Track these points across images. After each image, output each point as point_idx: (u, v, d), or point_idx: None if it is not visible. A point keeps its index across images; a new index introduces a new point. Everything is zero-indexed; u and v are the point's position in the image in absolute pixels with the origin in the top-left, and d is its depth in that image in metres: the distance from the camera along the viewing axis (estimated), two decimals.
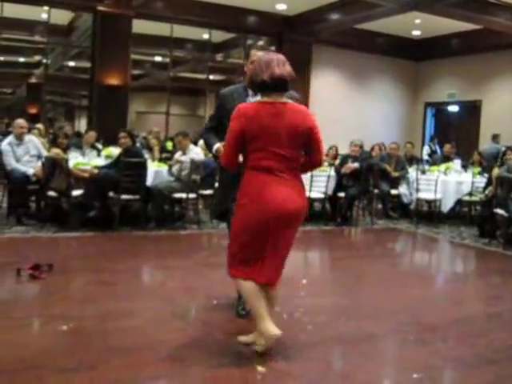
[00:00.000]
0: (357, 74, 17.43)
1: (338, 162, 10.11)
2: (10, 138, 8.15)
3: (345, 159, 9.65)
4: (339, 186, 9.35)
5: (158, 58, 19.49)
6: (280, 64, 3.47)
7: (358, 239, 9.19)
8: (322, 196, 9.19)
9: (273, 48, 16.54)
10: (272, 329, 3.52)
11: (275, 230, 3.49)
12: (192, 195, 8.15)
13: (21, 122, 8.27)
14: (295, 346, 3.82)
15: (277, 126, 3.40)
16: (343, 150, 10.86)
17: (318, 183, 8.94)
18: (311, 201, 9.24)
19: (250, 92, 4.02)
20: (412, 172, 10.30)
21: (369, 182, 9.56)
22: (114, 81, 13.41)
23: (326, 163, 9.84)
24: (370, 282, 5.99)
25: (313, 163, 3.66)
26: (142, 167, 7.79)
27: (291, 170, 3.49)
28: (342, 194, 9.32)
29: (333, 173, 9.27)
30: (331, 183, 9.19)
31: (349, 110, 16.91)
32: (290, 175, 3.49)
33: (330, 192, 9.22)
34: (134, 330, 3.96)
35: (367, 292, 5.49)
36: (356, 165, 9.27)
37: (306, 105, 16.12)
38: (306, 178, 8.80)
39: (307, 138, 3.49)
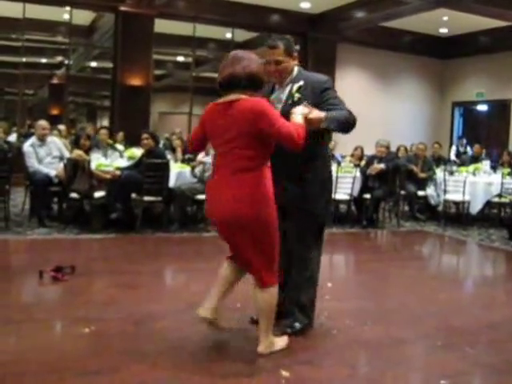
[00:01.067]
0: (382, 73, 17.35)
1: (363, 162, 10.07)
2: (33, 140, 8.26)
3: (371, 160, 9.61)
4: (365, 188, 9.31)
5: (180, 58, 19.60)
6: (235, 62, 3.49)
7: (384, 242, 9.15)
8: (347, 198, 9.17)
9: (297, 47, 16.57)
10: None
11: (220, 234, 3.62)
12: None
13: (43, 123, 8.38)
14: (320, 350, 3.82)
15: (225, 125, 3.41)
16: (369, 150, 10.80)
17: (344, 185, 8.93)
18: (336, 202, 9.22)
19: (277, 86, 4.03)
20: (439, 173, 10.23)
21: (395, 184, 9.51)
22: (136, 81, 13.52)
23: (351, 164, 9.83)
24: (397, 285, 5.96)
25: (287, 148, 3.39)
26: (165, 168, 7.83)
27: (240, 171, 3.37)
28: (367, 196, 9.28)
29: (358, 174, 9.24)
30: (357, 185, 9.16)
31: (374, 109, 16.83)
32: (236, 177, 3.38)
33: (355, 194, 9.19)
34: (156, 333, 3.99)
35: (394, 296, 5.46)
36: (382, 166, 9.23)
37: None
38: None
39: (258, 131, 3.35)
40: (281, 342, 3.75)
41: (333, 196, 8.74)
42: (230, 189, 3.38)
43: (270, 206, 3.43)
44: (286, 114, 3.63)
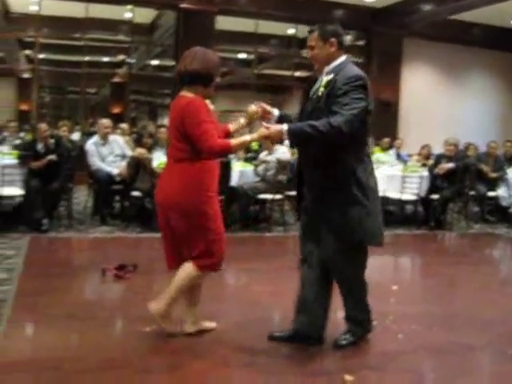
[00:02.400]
0: (451, 68, 17.01)
1: (431, 161, 9.92)
2: (95, 138, 8.48)
3: (439, 159, 9.45)
4: (433, 188, 9.17)
5: (242, 55, 19.73)
6: (182, 60, 3.77)
7: (452, 244, 9.00)
8: (414, 198, 9.04)
9: (361, 42, 16.46)
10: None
11: (158, 217, 3.92)
12: (278, 196, 8.21)
13: (105, 121, 8.59)
14: (385, 355, 3.81)
15: (171, 118, 3.82)
16: (436, 149, 10.64)
17: (410, 184, 8.82)
18: (402, 203, 9.12)
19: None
20: (511, 173, 9.98)
21: (464, 184, 9.33)
22: None
23: (418, 163, 9.71)
24: (465, 289, 5.86)
25: (198, 152, 3.66)
26: (227, 167, 7.89)
27: (175, 161, 3.76)
28: (435, 196, 9.14)
29: (426, 173, 9.11)
30: (424, 184, 9.03)
31: (442, 106, 16.53)
32: (173, 165, 3.77)
33: (422, 194, 9.06)
34: (218, 333, 4.05)
35: (462, 300, 5.38)
36: (451, 165, 9.07)
37: (397, 101, 15.94)
38: (397, 178, 8.79)
39: (183, 129, 3.64)
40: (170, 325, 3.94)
41: (398, 196, 8.77)
42: (167, 176, 3.83)
43: (199, 197, 3.72)
44: (311, 109, 3.64)
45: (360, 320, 3.98)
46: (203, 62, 3.71)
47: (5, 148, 8.39)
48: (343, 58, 3.72)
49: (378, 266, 7.05)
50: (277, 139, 3.53)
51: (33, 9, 14.24)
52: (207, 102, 3.81)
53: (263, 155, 8.43)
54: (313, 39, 3.74)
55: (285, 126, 3.45)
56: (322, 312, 3.88)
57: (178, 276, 3.87)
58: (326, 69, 3.72)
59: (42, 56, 15.84)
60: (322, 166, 3.61)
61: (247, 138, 3.70)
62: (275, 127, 3.50)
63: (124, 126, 10.99)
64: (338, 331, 3.95)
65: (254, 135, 3.64)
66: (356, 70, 3.63)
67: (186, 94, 3.72)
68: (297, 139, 3.48)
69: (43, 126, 7.78)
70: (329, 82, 3.60)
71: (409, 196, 8.98)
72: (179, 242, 3.87)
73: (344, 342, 3.90)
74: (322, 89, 3.63)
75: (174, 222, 3.78)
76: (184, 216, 3.72)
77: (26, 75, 18.29)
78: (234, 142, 3.72)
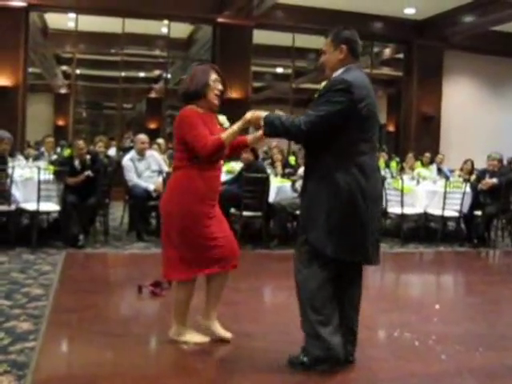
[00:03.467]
0: (494, 81, 16.83)
1: (474, 177, 9.78)
2: (132, 154, 8.56)
3: (482, 174, 9.32)
4: (476, 204, 9.03)
5: (279, 70, 19.80)
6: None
7: (496, 262, 8.84)
8: (456, 214, 8.92)
9: (400, 55, 16.41)
10: None
11: None
12: None
13: (142, 137, 8.66)
14: (428, 376, 3.74)
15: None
16: (479, 164, 10.50)
17: (452, 200, 8.70)
18: (444, 220, 9.00)
19: None
20: None
21: (509, 200, 9.17)
22: (234, 94, 13.74)
23: (460, 179, 9.58)
24: (510, 309, 5.74)
25: (196, 158, 3.92)
26: (265, 183, 7.89)
27: (174, 170, 4.12)
28: (478, 213, 9.00)
29: (468, 189, 8.98)
30: (467, 201, 8.90)
31: (485, 120, 16.35)
32: (172, 174, 4.13)
33: (465, 210, 8.93)
34: (255, 351, 4.02)
35: (508, 320, 5.27)
36: (495, 180, 8.93)
37: (438, 115, 15.81)
38: (439, 194, 8.69)
39: (180, 137, 3.96)
40: (194, 337, 4.13)
41: (440, 212, 8.66)
42: (168, 184, 4.14)
43: (188, 205, 3.90)
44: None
45: (313, 339, 3.66)
46: (189, 81, 4.08)
47: (41, 163, 8.51)
48: (351, 65, 3.67)
49: (419, 285, 6.98)
50: (256, 125, 3.74)
51: (70, 25, 14.54)
52: (220, 116, 4.15)
53: (301, 171, 8.40)
54: (326, 44, 3.78)
55: (263, 114, 3.65)
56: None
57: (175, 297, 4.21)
58: (334, 75, 3.70)
59: (78, 71, 16.17)
60: (308, 167, 3.77)
61: (234, 127, 3.88)
62: (258, 113, 3.70)
63: (161, 141, 11.09)
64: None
65: (239, 122, 3.85)
66: (347, 75, 3.57)
67: (184, 106, 4.04)
68: (268, 128, 3.61)
69: (80, 143, 7.89)
70: (324, 87, 3.63)
71: (451, 212, 8.86)
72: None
73: (294, 360, 3.74)
74: (317, 93, 3.67)
75: (164, 226, 4.07)
76: (171, 223, 3.97)
77: (62, 91, 18.66)
78: (223, 135, 3.88)
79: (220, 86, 4.08)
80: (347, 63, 3.66)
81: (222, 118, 4.15)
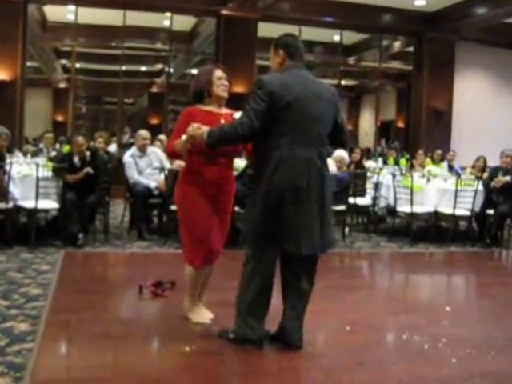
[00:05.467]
0: (507, 75, 16.78)
1: (486, 175, 9.77)
2: (133, 150, 8.56)
3: (494, 172, 9.30)
4: (488, 203, 9.02)
5: None
6: None
7: (509, 263, 8.83)
8: (468, 213, 8.91)
9: (410, 49, 16.39)
10: None
11: None
12: None
13: (144, 133, 8.67)
14: (438, 381, 3.74)
15: None
16: (492, 161, 10.47)
17: (464, 199, 8.69)
18: (456, 219, 8.98)
19: None
20: None
21: None
22: (238, 88, 13.70)
23: (472, 176, 9.56)
24: None
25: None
26: None
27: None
28: (491, 212, 8.99)
29: (480, 187, 8.96)
30: (479, 199, 8.89)
31: (498, 115, 16.30)
32: None
33: (477, 209, 8.92)
34: (264, 354, 4.02)
35: None
36: (508, 178, 8.91)
37: (449, 110, 15.79)
38: (450, 193, 8.67)
39: None
40: (195, 315, 4.61)
41: (451, 211, 8.64)
42: None
43: (184, 195, 4.43)
44: None
45: (237, 317, 4.15)
46: (194, 82, 4.50)
47: (40, 160, 8.52)
48: (290, 66, 4.11)
49: (429, 286, 6.97)
50: (199, 139, 3.99)
51: (69, 17, 14.52)
52: (236, 113, 4.24)
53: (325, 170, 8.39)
54: (270, 50, 4.25)
55: (206, 128, 3.97)
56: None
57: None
58: None
59: (78, 65, 16.14)
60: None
61: (183, 137, 4.15)
62: (201, 130, 3.98)
63: (163, 137, 11.08)
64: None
65: (185, 135, 4.13)
66: (268, 75, 4.11)
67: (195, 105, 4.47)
68: (209, 140, 3.93)
69: (80, 139, 7.89)
70: None
71: (462, 211, 8.84)
72: None
73: (222, 334, 4.25)
74: None
75: None
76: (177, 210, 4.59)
77: (62, 85, 18.67)
78: (175, 142, 4.28)
79: (226, 82, 4.43)
80: (286, 65, 4.09)
81: (237, 115, 4.20)
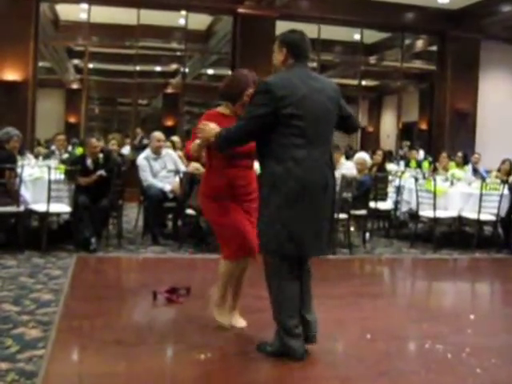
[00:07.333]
0: None
1: None
2: (147, 152, 8.59)
3: None
4: None
5: None
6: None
7: None
8: (493, 218, 8.85)
9: (433, 48, 16.33)
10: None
11: None
12: (343, 215, 8.15)
13: (158, 135, 8.69)
14: None
15: None
16: None
17: (489, 203, 8.63)
18: (480, 224, 8.93)
19: None
20: None
21: None
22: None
23: (497, 180, 9.51)
24: None
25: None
26: None
27: None
28: None
29: (506, 191, 8.90)
30: (504, 203, 8.83)
31: None
32: None
33: (502, 214, 8.86)
34: (277, 362, 4.02)
35: None
36: None
37: (473, 111, 15.71)
38: (474, 197, 8.61)
39: None
40: (223, 318, 4.69)
41: (475, 216, 8.58)
42: None
43: (208, 200, 4.57)
44: None
45: (278, 330, 4.10)
46: (228, 83, 4.62)
47: (52, 162, 8.57)
48: (293, 65, 4.12)
49: (453, 294, 6.94)
50: (210, 137, 4.12)
51: (82, 16, 14.64)
52: None
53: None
54: (274, 47, 4.26)
55: (218, 129, 4.10)
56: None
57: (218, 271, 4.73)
58: None
59: (91, 66, 16.25)
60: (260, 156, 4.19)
61: (196, 141, 4.31)
62: (215, 129, 4.12)
63: (176, 139, 11.10)
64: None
65: (199, 140, 4.28)
66: (273, 76, 4.08)
67: (216, 109, 4.66)
68: (217, 140, 4.08)
69: (93, 141, 7.92)
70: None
71: (487, 216, 8.79)
72: None
73: (261, 348, 4.18)
74: None
75: None
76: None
77: (74, 86, 18.78)
78: (191, 144, 4.42)
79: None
80: (289, 64, 4.12)
81: None
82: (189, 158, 4.74)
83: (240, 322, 4.72)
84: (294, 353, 3.97)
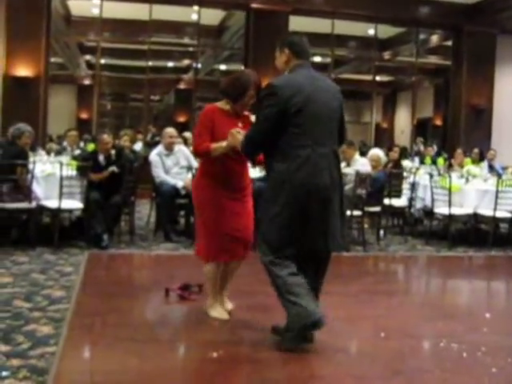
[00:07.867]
0: None
1: None
2: (159, 149, 8.60)
3: None
4: None
5: (317, 58, 19.70)
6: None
7: None
8: (509, 215, 8.80)
9: (449, 43, 16.24)
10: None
11: None
12: (356, 212, 8.14)
13: (171, 131, 8.70)
14: None
15: None
16: None
17: (505, 200, 8.58)
18: (496, 221, 8.88)
19: None
20: None
21: None
22: None
23: None
24: None
25: None
26: None
27: None
28: None
29: None
30: None
31: None
32: None
33: None
34: (290, 360, 4.02)
35: None
36: None
37: (490, 107, 15.61)
38: (490, 194, 8.56)
39: None
40: (218, 312, 4.79)
41: (491, 213, 8.53)
42: None
43: (201, 193, 4.69)
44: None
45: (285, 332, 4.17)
46: (230, 82, 4.70)
47: (64, 158, 8.59)
48: (297, 65, 4.23)
49: (468, 292, 6.90)
50: (237, 143, 4.28)
51: (94, 12, 14.66)
52: (253, 116, 4.48)
53: (341, 167, 8.36)
54: (276, 51, 4.39)
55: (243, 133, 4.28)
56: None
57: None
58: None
59: (103, 61, 16.30)
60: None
61: (223, 144, 4.42)
62: (242, 133, 4.29)
63: (188, 135, 11.11)
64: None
65: (225, 144, 4.41)
66: (278, 78, 4.21)
67: (216, 103, 4.75)
68: (242, 146, 4.22)
69: (105, 137, 7.95)
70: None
71: (503, 213, 8.74)
72: None
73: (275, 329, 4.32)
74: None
75: None
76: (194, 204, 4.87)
77: (86, 82, 18.82)
78: (212, 145, 4.49)
79: (251, 101, 4.59)
80: (292, 64, 4.24)
81: (254, 118, 4.41)
82: (203, 156, 4.73)
83: (228, 305, 4.93)
84: (310, 315, 4.01)
